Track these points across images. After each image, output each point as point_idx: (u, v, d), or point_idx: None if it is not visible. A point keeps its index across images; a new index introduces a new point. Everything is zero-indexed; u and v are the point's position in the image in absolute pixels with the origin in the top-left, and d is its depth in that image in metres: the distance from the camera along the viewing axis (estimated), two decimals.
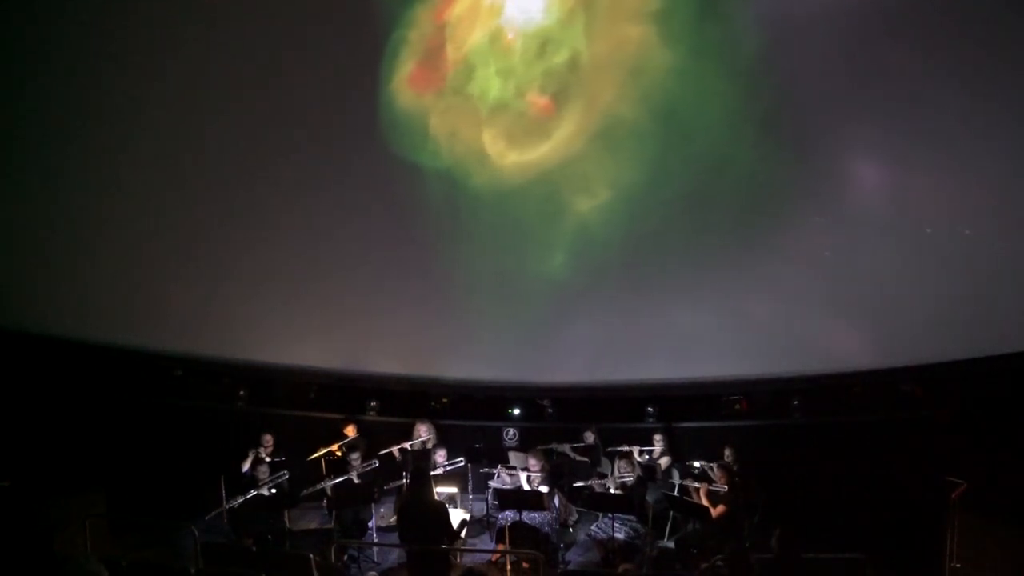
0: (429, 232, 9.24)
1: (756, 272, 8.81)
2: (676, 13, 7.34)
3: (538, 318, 9.03)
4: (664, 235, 7.94)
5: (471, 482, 8.94)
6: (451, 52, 9.00)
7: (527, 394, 9.96)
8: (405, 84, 9.07)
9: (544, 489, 7.81)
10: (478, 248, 9.18)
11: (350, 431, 9.07)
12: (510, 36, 8.85)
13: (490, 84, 8.85)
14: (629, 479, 7.75)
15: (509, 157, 8.67)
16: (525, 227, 8.92)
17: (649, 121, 7.44)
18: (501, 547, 7.66)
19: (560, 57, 8.22)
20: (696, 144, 7.31)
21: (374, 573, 6.89)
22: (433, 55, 9.08)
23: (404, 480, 8.26)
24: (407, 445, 8.74)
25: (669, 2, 7.33)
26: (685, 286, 8.65)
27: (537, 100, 8.47)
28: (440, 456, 8.52)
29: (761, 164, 7.26)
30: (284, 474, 7.83)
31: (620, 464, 7.90)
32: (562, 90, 8.40)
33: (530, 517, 7.54)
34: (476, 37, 8.93)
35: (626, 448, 8.44)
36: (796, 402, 9.19)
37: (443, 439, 9.00)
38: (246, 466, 8.11)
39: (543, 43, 8.39)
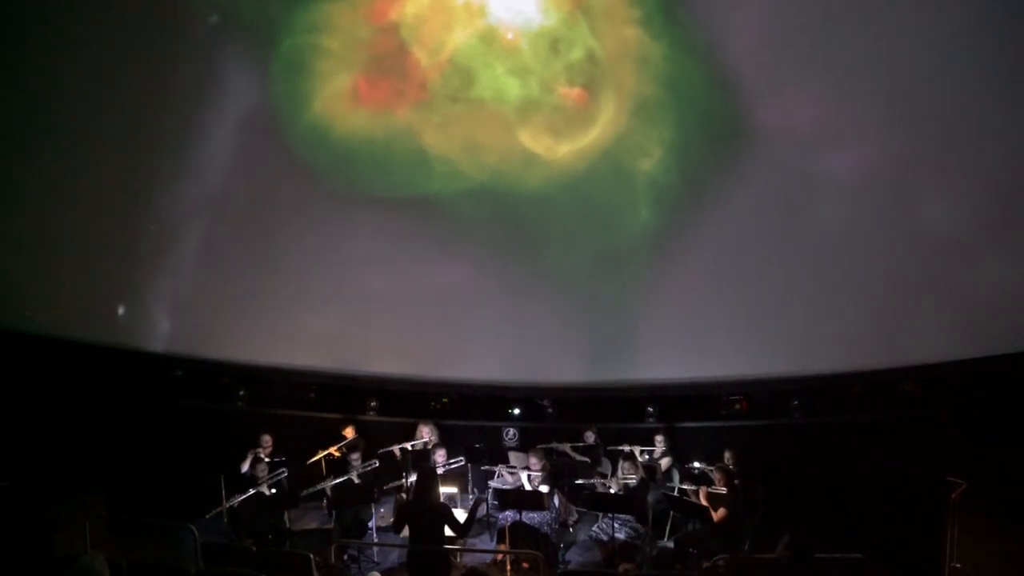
0: (482, 253, 9.25)
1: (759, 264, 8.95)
2: (651, 21, 8.61)
3: (648, 279, 9.25)
4: (708, 168, 8.99)
5: (471, 482, 8.93)
6: (424, 57, 8.70)
7: (527, 394, 9.95)
8: (347, 102, 8.76)
9: (544, 489, 7.81)
10: (565, 243, 9.18)
11: (349, 432, 9.05)
12: (510, 36, 8.79)
13: (505, 84, 8.79)
14: (632, 480, 7.74)
15: (562, 149, 8.96)
16: (605, 201, 9.14)
17: (665, 94, 8.73)
18: (501, 547, 7.66)
19: (576, 54, 8.80)
20: (700, 103, 8.73)
21: (375, 573, 6.88)
22: (390, 62, 8.69)
23: (404, 480, 8.26)
24: (408, 445, 8.74)
25: (644, 15, 8.60)
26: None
27: (570, 92, 8.84)
28: (440, 456, 8.50)
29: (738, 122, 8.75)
30: (283, 471, 7.83)
31: (624, 465, 7.88)
32: (590, 81, 8.91)
33: (530, 517, 7.53)
34: (459, 38, 8.72)
35: (627, 448, 8.44)
36: (796, 402, 9.17)
37: (443, 439, 8.99)
38: (245, 466, 8.09)
39: (553, 42, 8.78)
